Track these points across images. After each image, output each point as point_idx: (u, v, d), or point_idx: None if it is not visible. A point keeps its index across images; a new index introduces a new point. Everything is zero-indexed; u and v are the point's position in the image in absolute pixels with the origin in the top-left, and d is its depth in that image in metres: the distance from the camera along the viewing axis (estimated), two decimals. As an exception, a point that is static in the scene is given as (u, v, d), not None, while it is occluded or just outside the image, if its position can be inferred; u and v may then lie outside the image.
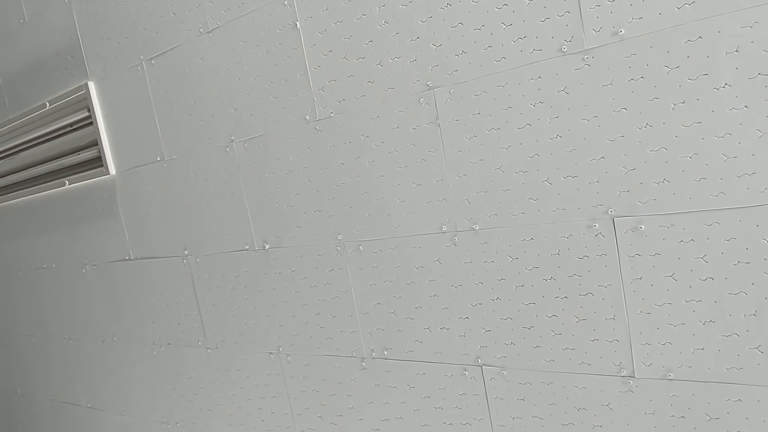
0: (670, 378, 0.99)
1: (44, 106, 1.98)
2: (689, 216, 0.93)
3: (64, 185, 2.00)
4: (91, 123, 1.83)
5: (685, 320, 0.96)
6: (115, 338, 2.04)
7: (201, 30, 1.47)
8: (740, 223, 0.89)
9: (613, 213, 0.99)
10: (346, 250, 1.35)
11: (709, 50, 0.87)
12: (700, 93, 0.89)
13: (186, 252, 1.70)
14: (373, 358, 1.36)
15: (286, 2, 1.30)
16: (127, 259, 1.89)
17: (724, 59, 0.86)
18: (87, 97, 1.81)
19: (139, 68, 1.65)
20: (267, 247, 1.50)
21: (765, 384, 0.91)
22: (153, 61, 1.61)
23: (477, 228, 1.14)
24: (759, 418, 0.93)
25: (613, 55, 0.94)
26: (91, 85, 1.80)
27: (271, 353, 1.58)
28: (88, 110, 1.83)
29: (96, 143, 1.84)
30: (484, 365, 1.19)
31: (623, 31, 0.93)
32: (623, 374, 1.03)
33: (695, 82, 0.89)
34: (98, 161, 1.86)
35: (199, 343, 1.75)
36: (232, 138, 1.49)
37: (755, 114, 0.86)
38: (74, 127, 1.91)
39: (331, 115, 1.29)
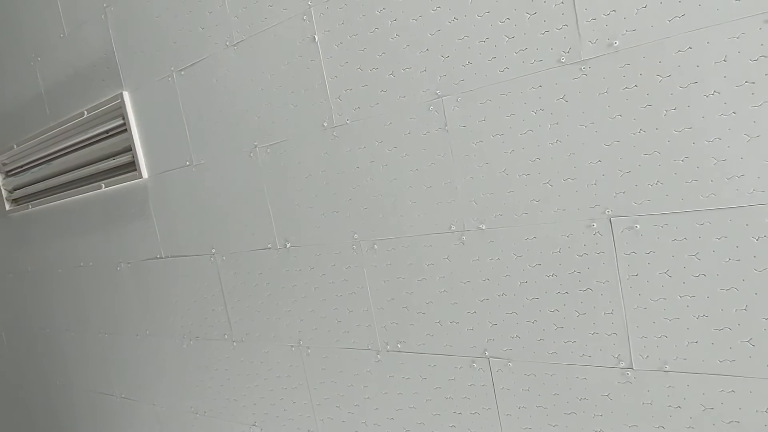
0: (666, 370, 1.04)
1: (82, 114, 2.12)
2: (682, 216, 0.98)
3: (100, 188, 2.13)
4: (126, 130, 1.96)
5: (679, 315, 1.01)
6: (147, 332, 2.17)
7: (227, 43, 1.58)
8: (730, 223, 0.94)
9: (610, 213, 1.05)
10: (361, 248, 1.43)
11: (699, 60, 0.93)
12: (691, 100, 0.94)
13: (213, 251, 1.81)
14: (388, 351, 1.44)
15: (305, 17, 1.39)
16: (158, 258, 2.01)
17: (713, 68, 0.92)
18: (122, 105, 1.93)
19: (169, 79, 1.77)
20: (288, 246, 1.59)
21: (757, 376, 0.96)
22: (183, 73, 1.72)
23: (483, 227, 1.21)
24: (752, 409, 0.98)
25: (608, 66, 1.00)
26: (126, 95, 1.92)
27: (292, 346, 1.67)
28: (123, 118, 1.95)
29: (130, 149, 1.97)
30: (492, 357, 1.26)
31: (617, 43, 0.99)
32: (621, 366, 1.09)
33: (686, 90, 0.94)
34: (132, 166, 1.99)
35: (226, 336, 1.86)
36: (256, 144, 1.59)
37: (743, 119, 0.91)
38: (110, 133, 2.05)
39: (347, 122, 1.37)
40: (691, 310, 1.00)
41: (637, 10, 0.96)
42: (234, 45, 1.56)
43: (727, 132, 0.92)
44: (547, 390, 1.19)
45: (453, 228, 1.25)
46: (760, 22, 0.87)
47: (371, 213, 1.39)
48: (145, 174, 1.94)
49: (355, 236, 1.43)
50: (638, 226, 1.03)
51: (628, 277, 1.05)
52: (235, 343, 1.84)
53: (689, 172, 0.96)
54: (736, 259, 0.95)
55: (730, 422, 1.00)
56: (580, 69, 1.03)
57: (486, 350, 1.26)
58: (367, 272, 1.44)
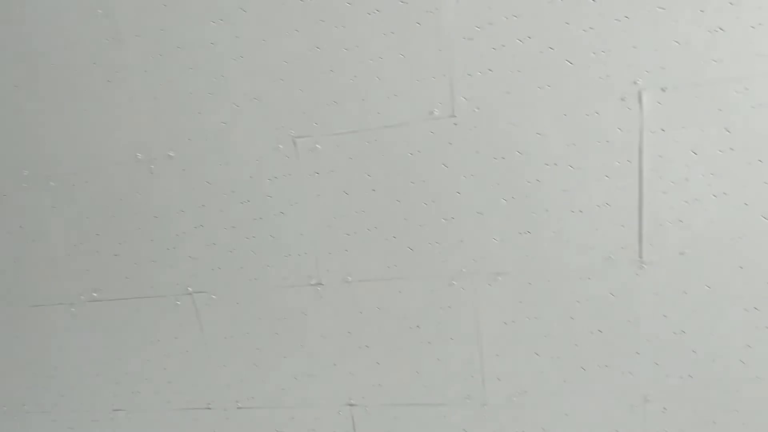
0: (348, 281, 1.14)
1: None
2: (353, 135, 1.05)
3: None
4: None
5: (356, 229, 1.10)
6: None
7: None
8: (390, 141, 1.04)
9: (294, 134, 1.07)
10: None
11: None
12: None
13: None
14: (83, 302, 1.28)
15: None
16: None
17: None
18: None
19: None
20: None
21: (416, 277, 1.11)
22: None
23: (172, 155, 1.12)
24: (415, 304, 1.13)
25: None
26: None
27: (-39, 314, 1.36)
28: None
29: None
30: (195, 292, 1.21)
31: None
32: (313, 283, 1.15)
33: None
34: None
35: None
36: None
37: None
38: None
39: None
40: (365, 223, 1.10)
41: None
42: None
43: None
44: (250, 315, 1.20)
45: (139, 156, 1.13)
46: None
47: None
48: None
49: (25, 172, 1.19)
50: (319, 146, 1.07)
51: (314, 197, 1.10)
52: None
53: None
54: (396, 174, 1.06)
55: (401, 318, 1.15)
56: None
57: (189, 286, 1.21)
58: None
